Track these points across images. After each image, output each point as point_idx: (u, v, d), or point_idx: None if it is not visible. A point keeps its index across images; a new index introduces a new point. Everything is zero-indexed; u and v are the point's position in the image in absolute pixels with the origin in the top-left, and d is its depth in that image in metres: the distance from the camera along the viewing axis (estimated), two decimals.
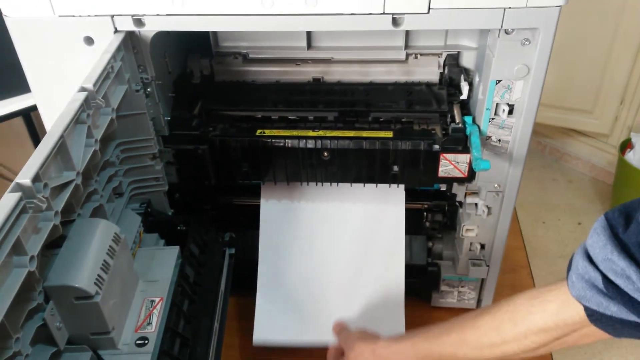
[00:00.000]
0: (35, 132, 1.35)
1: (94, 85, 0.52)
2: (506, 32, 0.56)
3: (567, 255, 1.89)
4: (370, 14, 0.55)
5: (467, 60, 0.71)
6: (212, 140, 0.69)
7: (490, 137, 0.65)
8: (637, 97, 1.99)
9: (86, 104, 0.50)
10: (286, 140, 0.69)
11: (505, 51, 0.58)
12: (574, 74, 2.08)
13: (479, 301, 0.81)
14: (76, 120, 0.49)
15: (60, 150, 0.46)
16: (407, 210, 0.79)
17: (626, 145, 1.86)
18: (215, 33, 0.73)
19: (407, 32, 0.70)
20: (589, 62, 2.02)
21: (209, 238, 0.72)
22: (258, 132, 0.70)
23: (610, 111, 2.07)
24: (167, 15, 0.58)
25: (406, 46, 0.71)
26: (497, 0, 0.53)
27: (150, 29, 0.59)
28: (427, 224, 0.79)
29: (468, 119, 0.66)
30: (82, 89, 0.51)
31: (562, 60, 2.07)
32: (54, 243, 0.50)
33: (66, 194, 0.46)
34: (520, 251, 0.93)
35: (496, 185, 0.68)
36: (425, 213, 0.79)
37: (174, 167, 0.72)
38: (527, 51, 0.57)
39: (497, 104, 0.62)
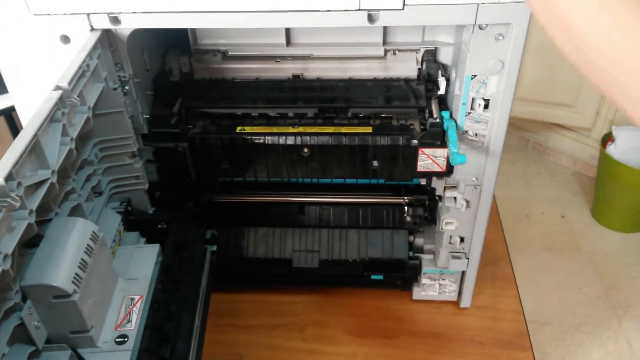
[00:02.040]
0: (17, 132, 1.34)
1: (69, 83, 0.51)
2: (480, 27, 0.57)
3: (550, 248, 1.92)
4: (346, 10, 0.56)
5: (445, 56, 0.71)
6: (192, 138, 0.69)
7: (467, 131, 0.66)
8: None
9: (61, 102, 0.50)
10: (266, 137, 0.69)
11: (480, 46, 0.59)
12: (556, 69, 2.11)
13: (459, 294, 0.83)
14: (51, 118, 0.49)
15: (35, 148, 0.46)
16: (389, 205, 0.80)
17: (607, 138, 1.89)
18: (194, 30, 0.73)
19: (385, 29, 0.71)
20: None
21: (190, 235, 0.73)
22: (238, 129, 0.70)
23: (591, 105, 2.10)
24: (143, 12, 0.57)
25: (384, 42, 0.71)
26: None
27: (126, 26, 0.59)
28: (409, 218, 0.80)
29: (445, 114, 0.67)
30: (57, 88, 0.51)
31: (545, 55, 2.09)
32: (31, 242, 0.50)
33: (41, 192, 0.46)
34: (500, 244, 0.94)
35: (474, 179, 0.69)
36: (406, 207, 0.80)
37: (154, 165, 0.72)
38: (501, 46, 0.58)
39: (473, 99, 0.63)
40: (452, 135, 0.64)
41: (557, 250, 1.90)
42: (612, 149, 1.83)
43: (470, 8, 0.55)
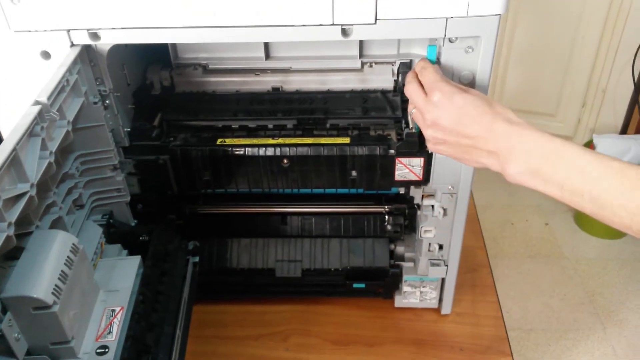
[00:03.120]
0: None
1: (48, 98, 0.52)
2: (450, 40, 0.59)
3: (534, 255, 1.94)
4: (321, 25, 0.57)
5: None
6: (172, 150, 0.70)
7: None
8: (598, 100, 2.06)
9: (40, 117, 0.51)
10: (246, 149, 0.70)
11: (451, 59, 0.61)
12: (537, 79, 2.15)
13: (440, 300, 0.84)
14: (30, 133, 0.50)
15: (14, 162, 0.47)
16: (370, 214, 0.82)
17: (588, 146, 1.93)
18: (174, 45, 0.75)
19: (362, 42, 0.73)
20: (551, 68, 2.08)
21: (172, 247, 0.73)
22: (219, 141, 0.71)
23: (572, 114, 2.14)
24: (122, 28, 0.59)
25: (361, 55, 0.73)
26: (439, 10, 0.56)
27: (106, 42, 0.60)
28: (389, 227, 0.81)
29: None
30: (36, 103, 0.52)
31: (526, 66, 2.14)
32: (12, 255, 0.50)
33: (20, 205, 0.47)
34: (480, 251, 0.96)
35: (450, 187, 0.71)
36: (387, 216, 0.81)
37: (135, 177, 0.73)
38: (471, 58, 0.60)
39: None
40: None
41: (541, 257, 1.93)
42: None
43: (439, 22, 0.57)
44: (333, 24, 0.57)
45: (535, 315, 1.72)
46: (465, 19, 0.56)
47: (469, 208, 1.07)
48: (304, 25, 0.58)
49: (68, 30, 0.59)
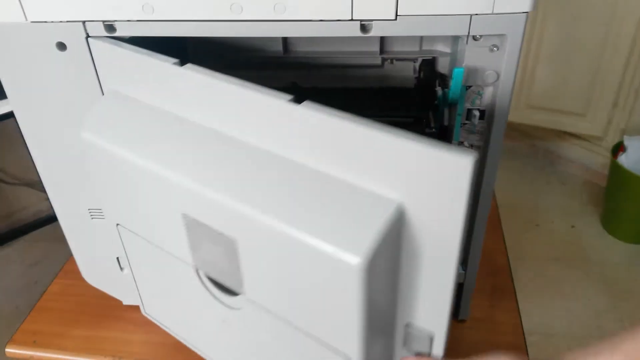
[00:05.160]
0: None
1: None
2: (474, 38, 0.57)
3: (558, 258, 1.89)
4: (339, 20, 0.56)
5: (443, 66, 0.71)
6: None
7: (462, 142, 0.65)
8: (630, 100, 1.99)
9: None
10: None
11: (474, 57, 0.58)
12: (567, 77, 2.09)
13: (458, 306, 0.82)
14: None
15: None
16: None
17: (619, 148, 1.86)
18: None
19: (382, 38, 0.71)
20: (582, 65, 2.02)
21: None
22: None
23: (603, 114, 2.08)
24: (138, 21, 0.58)
25: (381, 51, 0.71)
26: (463, 6, 0.53)
27: (121, 34, 0.59)
28: None
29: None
30: None
31: (556, 63, 2.08)
32: None
33: None
34: (501, 255, 0.93)
35: None
36: None
37: None
38: (495, 57, 0.58)
39: (468, 110, 0.63)
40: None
41: (565, 261, 1.88)
42: (623, 159, 1.81)
43: (463, 19, 0.54)
44: (352, 20, 0.55)
45: (557, 320, 1.68)
46: (491, 16, 0.54)
47: (491, 209, 1.04)
48: (321, 21, 0.56)
49: (84, 22, 0.58)
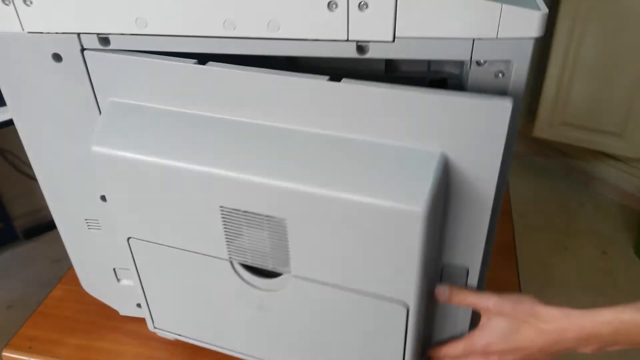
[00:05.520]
0: None
1: None
2: (478, 63, 0.53)
3: (586, 285, 1.80)
4: (335, 40, 0.53)
5: (453, 88, 0.67)
6: None
7: None
8: None
9: None
10: None
11: (478, 83, 0.54)
12: (605, 94, 2.00)
13: None
14: None
15: None
16: None
17: None
18: None
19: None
20: (621, 82, 1.93)
21: None
22: None
23: None
24: (132, 35, 0.57)
25: (386, 70, 0.68)
26: (466, 30, 0.50)
27: (116, 47, 0.58)
28: None
29: None
30: None
31: (594, 79, 1.99)
32: None
33: None
34: (512, 287, 0.88)
35: None
36: None
37: None
38: (501, 84, 0.54)
39: None
40: None
41: (594, 288, 1.79)
42: None
43: (465, 43, 0.51)
44: (348, 40, 0.53)
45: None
46: (495, 41, 0.50)
47: (507, 234, 1.00)
48: (316, 40, 0.53)
49: (79, 34, 0.58)
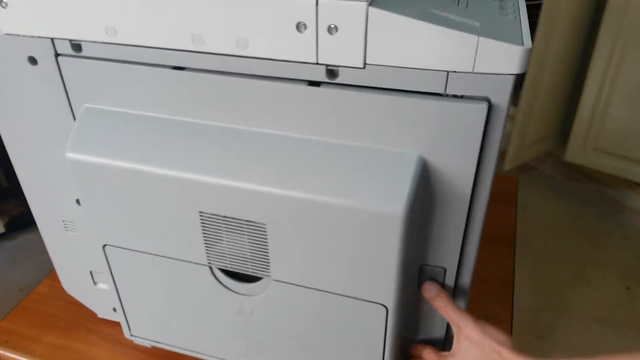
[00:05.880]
0: None
1: None
2: (455, 96, 0.49)
3: (605, 321, 1.71)
4: (304, 62, 0.50)
5: None
6: None
7: None
8: None
9: None
10: None
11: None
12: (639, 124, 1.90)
13: None
14: None
15: None
16: None
17: None
18: None
19: None
20: None
21: None
22: None
23: None
24: (103, 43, 0.56)
25: None
26: (440, 62, 0.46)
27: (88, 54, 0.57)
28: None
29: None
30: None
31: (631, 105, 1.90)
32: None
33: None
34: (504, 325, 0.83)
35: None
36: None
37: None
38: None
39: None
40: None
41: (613, 325, 1.70)
42: None
43: (439, 75, 0.47)
44: (317, 63, 0.50)
45: None
46: (471, 75, 0.46)
47: (506, 270, 0.95)
48: (285, 61, 0.51)
49: (52, 39, 0.57)
